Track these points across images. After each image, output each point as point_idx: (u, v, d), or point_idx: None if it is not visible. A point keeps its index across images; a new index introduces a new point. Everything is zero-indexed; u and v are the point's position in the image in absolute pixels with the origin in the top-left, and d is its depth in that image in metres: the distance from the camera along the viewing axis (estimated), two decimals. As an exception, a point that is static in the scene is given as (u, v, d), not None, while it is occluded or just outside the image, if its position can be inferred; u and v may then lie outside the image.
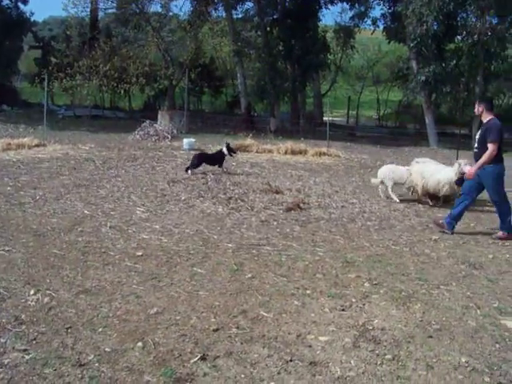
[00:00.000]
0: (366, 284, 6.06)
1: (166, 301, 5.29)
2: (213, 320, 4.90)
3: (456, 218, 8.81)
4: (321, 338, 4.66)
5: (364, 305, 5.45)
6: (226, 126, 27.91)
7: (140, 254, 6.73)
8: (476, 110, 8.78)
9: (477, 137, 8.77)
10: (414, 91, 27.77)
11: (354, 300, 5.55)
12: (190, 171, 13.12)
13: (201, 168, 13.41)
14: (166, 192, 10.73)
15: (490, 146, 8.27)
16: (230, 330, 4.72)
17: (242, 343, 4.51)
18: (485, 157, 8.30)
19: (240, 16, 33.26)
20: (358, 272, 6.46)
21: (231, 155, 14.00)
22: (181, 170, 13.49)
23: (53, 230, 7.66)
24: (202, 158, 13.63)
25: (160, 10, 33.65)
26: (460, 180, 9.80)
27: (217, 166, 13.65)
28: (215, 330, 4.70)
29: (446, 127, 31.58)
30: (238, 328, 4.77)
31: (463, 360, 4.42)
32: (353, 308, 5.36)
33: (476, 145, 8.70)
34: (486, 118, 8.60)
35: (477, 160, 8.57)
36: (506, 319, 5.33)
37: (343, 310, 5.29)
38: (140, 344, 4.39)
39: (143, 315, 4.93)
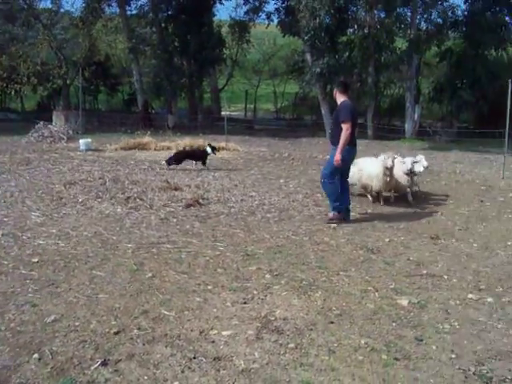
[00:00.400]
0: (267, 275, 6.12)
1: (64, 307, 5.11)
2: (113, 323, 4.79)
3: (336, 200, 8.92)
4: (224, 333, 4.66)
5: (266, 296, 5.50)
6: (123, 124, 27.36)
7: (36, 260, 6.47)
8: (334, 93, 9.08)
9: (330, 120, 9.04)
10: (310, 83, 28.43)
11: (255, 292, 5.59)
12: (167, 165, 13.99)
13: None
14: (62, 195, 10.38)
15: (344, 126, 8.48)
16: (131, 332, 4.62)
17: (143, 344, 4.43)
18: (343, 139, 8.47)
19: (134, 12, 32.79)
20: (258, 264, 6.51)
21: (214, 153, 14.48)
22: (77, 172, 13.13)
23: None
24: (182, 155, 14.35)
25: (50, 6, 32.59)
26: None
27: (200, 162, 14.25)
28: (116, 333, 4.59)
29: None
30: (139, 329, 4.69)
31: (363, 341, 4.56)
32: (255, 300, 5.39)
33: (331, 126, 8.98)
34: (340, 99, 8.86)
35: (332, 142, 8.91)
36: (402, 298, 5.55)
37: (245, 302, 5.32)
38: (36, 355, 4.20)
39: (40, 324, 4.73)
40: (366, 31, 25.86)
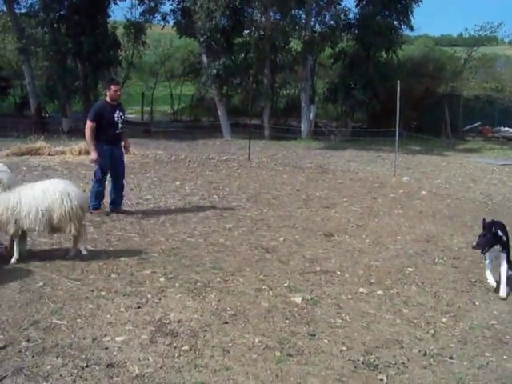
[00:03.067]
0: (162, 279, 6.08)
1: None
2: (0, 337, 4.60)
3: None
4: (117, 339, 4.60)
5: (160, 300, 5.47)
6: (15, 129, 26.31)
7: None
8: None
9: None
10: (206, 85, 28.48)
11: (149, 296, 5.54)
12: None
13: None
14: None
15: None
16: (19, 345, 4.44)
17: (33, 356, 4.28)
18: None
19: (24, 11, 31.55)
20: (153, 268, 6.46)
21: None
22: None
23: None
24: None
25: None
26: None
27: None
28: (3, 348, 4.39)
29: (239, 118, 32.71)
30: (28, 341, 4.52)
31: (257, 340, 4.64)
32: (149, 304, 5.35)
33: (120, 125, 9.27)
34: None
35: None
36: (295, 296, 5.68)
37: (139, 307, 5.26)
38: None
39: None
40: (261, 33, 26.27)
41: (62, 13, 30.17)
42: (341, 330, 4.95)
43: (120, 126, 9.19)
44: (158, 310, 5.20)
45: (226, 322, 4.98)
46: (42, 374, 4.04)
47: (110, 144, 9.14)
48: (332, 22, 29.39)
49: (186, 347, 4.49)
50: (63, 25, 30.27)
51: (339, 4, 29.38)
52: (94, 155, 8.98)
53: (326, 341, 4.70)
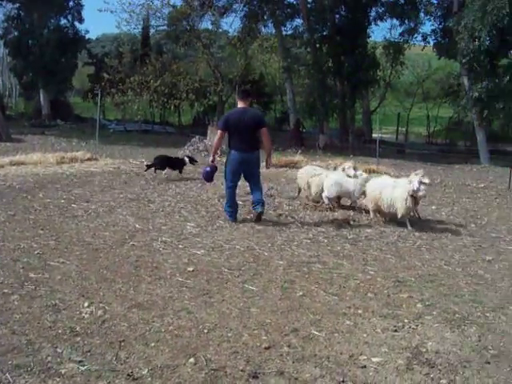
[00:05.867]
0: (419, 305, 5.95)
1: (217, 317, 5.29)
2: (264, 338, 4.88)
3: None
4: (373, 359, 4.59)
5: (417, 326, 5.34)
6: (274, 142, 27.90)
7: (191, 269, 6.76)
8: None
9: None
10: (466, 108, 27.40)
11: (406, 321, 5.45)
12: (147, 169, 14.78)
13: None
14: (216, 207, 10.74)
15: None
16: (281, 349, 4.69)
17: (293, 362, 4.47)
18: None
19: (289, 32, 33.45)
20: (410, 292, 6.36)
21: (193, 164, 15.28)
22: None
23: (105, 243, 7.77)
24: (164, 161, 14.77)
25: (210, 26, 34.12)
26: None
27: (177, 171, 14.88)
28: (267, 348, 4.67)
29: (498, 144, 31.03)
30: (289, 346, 4.74)
31: (523, 388, 4.31)
32: (405, 329, 5.26)
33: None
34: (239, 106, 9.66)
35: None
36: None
37: (396, 330, 5.20)
38: (192, 360, 4.40)
39: (195, 331, 4.94)
40: (529, 53, 24.59)
41: (324, 33, 31.37)
42: None
43: None
44: (414, 337, 5.09)
45: (488, 362, 4.67)
46: (302, 380, 4.19)
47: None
48: None
49: (443, 381, 4.31)
50: (325, 45, 31.44)
51: None
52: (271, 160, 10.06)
53: None
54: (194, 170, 15.63)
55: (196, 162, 15.50)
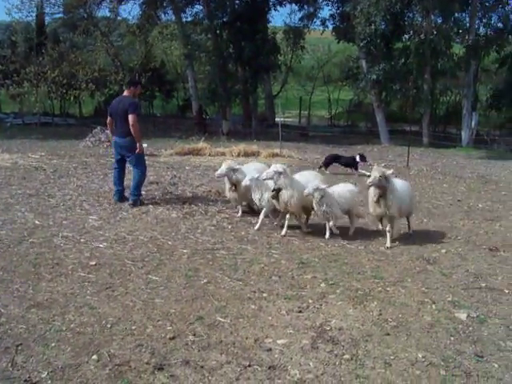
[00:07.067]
0: (323, 284, 6.07)
1: (121, 310, 5.19)
2: (169, 328, 4.83)
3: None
4: (279, 342, 4.64)
5: (321, 305, 5.46)
6: (177, 129, 27.76)
7: (93, 263, 6.58)
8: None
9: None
10: (365, 90, 28.20)
11: (310, 301, 5.55)
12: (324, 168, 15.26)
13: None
14: (118, 199, 10.51)
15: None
16: (186, 338, 4.66)
17: (199, 350, 4.45)
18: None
19: (189, 19, 33.12)
20: (314, 273, 6.47)
21: (363, 162, 15.20)
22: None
23: (1, 242, 7.42)
24: (332, 158, 15.52)
25: (108, 14, 33.28)
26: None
27: (352, 168, 15.32)
28: (172, 339, 4.63)
29: (397, 125, 32.07)
30: (194, 335, 4.71)
31: (420, 355, 4.48)
32: (310, 309, 5.36)
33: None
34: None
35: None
36: (460, 312, 5.43)
37: (300, 311, 5.29)
38: (95, 357, 4.29)
39: (98, 327, 4.82)
40: (422, 37, 25.45)
41: (224, 20, 31.28)
42: None
43: None
44: (318, 316, 5.19)
45: (388, 334, 4.86)
46: (208, 368, 4.19)
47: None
48: (499, 24, 27.91)
49: (347, 356, 4.43)
50: (225, 31, 31.35)
51: (508, 4, 27.83)
52: (142, 146, 10.01)
53: (496, 365, 4.41)
54: (95, 161, 15.26)
55: (366, 161, 15.39)
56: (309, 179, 8.48)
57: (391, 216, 7.87)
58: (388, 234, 7.93)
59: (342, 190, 8.54)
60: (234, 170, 9.11)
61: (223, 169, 9.12)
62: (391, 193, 7.72)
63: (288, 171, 8.24)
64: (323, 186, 7.99)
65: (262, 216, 8.66)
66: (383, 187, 7.65)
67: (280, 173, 8.06)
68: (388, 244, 7.86)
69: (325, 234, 8.27)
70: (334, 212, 8.09)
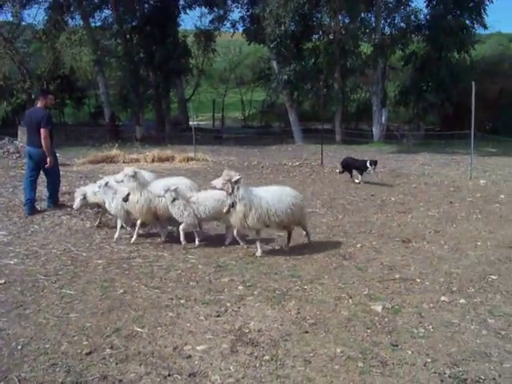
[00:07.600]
0: (240, 287, 6.06)
1: (33, 329, 4.98)
2: (85, 343, 4.68)
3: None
4: (198, 348, 4.60)
5: (239, 308, 5.45)
6: (90, 137, 27.18)
7: (2, 281, 6.31)
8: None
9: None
10: (277, 90, 28.54)
11: (228, 304, 5.53)
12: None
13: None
14: (29, 212, 10.14)
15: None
16: (103, 352, 4.53)
17: (117, 363, 4.34)
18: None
19: (98, 24, 32.53)
20: (231, 276, 6.46)
21: (373, 167, 14.48)
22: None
23: None
24: (349, 162, 14.88)
25: (11, 19, 32.07)
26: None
27: (361, 172, 14.57)
28: (88, 354, 4.49)
29: (310, 123, 32.61)
30: (112, 348, 4.60)
31: (338, 350, 4.55)
32: (228, 312, 5.34)
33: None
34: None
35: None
36: (376, 304, 5.55)
37: (219, 315, 5.26)
38: (2, 384, 4.09)
39: (7, 350, 4.58)
40: (331, 37, 26.10)
41: (134, 24, 30.92)
42: (424, 340, 4.78)
43: None
44: (237, 319, 5.18)
45: (307, 332, 4.91)
46: (126, 381, 4.09)
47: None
48: (402, 24, 29.03)
49: (267, 357, 4.44)
50: (135, 36, 30.99)
51: (409, 5, 28.98)
52: (52, 160, 9.88)
53: (410, 352, 4.54)
54: (4, 173, 14.72)
55: (376, 166, 14.63)
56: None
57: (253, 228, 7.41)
58: (257, 243, 7.48)
59: (206, 196, 7.96)
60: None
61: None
62: (250, 202, 7.14)
63: (139, 175, 7.84)
64: (174, 187, 7.56)
65: (118, 226, 8.37)
66: (232, 194, 7.13)
67: (131, 176, 7.68)
68: (258, 253, 7.35)
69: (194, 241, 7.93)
70: (185, 216, 7.66)
